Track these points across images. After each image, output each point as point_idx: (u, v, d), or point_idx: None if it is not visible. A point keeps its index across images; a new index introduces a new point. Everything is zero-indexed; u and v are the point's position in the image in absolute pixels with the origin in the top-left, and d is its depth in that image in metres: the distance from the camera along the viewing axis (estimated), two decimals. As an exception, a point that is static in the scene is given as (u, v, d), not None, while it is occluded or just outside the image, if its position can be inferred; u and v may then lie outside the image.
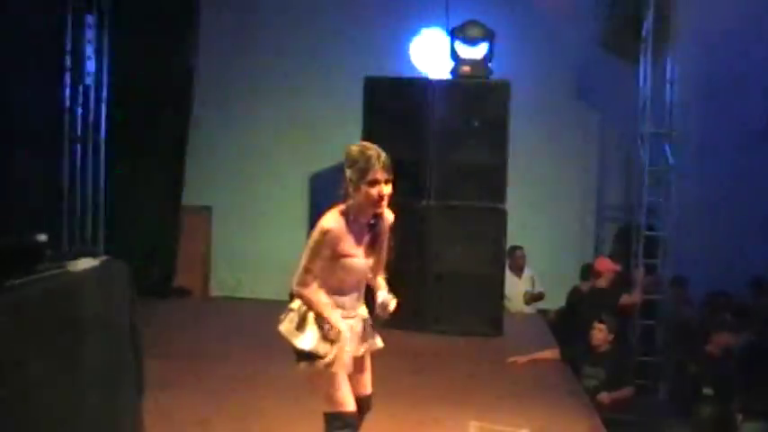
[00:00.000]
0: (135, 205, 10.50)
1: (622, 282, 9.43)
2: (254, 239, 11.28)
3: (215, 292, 11.46)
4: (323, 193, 10.17)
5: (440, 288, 9.09)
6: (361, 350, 4.33)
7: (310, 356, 4.12)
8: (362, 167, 4.01)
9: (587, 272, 9.80)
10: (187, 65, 10.79)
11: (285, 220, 11.09)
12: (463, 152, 9.18)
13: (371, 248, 4.21)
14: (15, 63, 8.72)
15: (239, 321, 9.73)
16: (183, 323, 9.53)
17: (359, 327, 4.31)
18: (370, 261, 4.22)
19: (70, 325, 4.50)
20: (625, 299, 9.12)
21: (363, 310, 4.37)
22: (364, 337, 4.34)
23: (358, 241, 4.16)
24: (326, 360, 4.07)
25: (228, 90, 11.15)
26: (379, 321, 4.30)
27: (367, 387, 4.42)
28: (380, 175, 4.00)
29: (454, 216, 9.11)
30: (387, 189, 4.05)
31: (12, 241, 4.62)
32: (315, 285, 4.13)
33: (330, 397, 4.11)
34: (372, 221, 4.19)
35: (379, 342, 4.42)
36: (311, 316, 4.16)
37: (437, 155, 9.18)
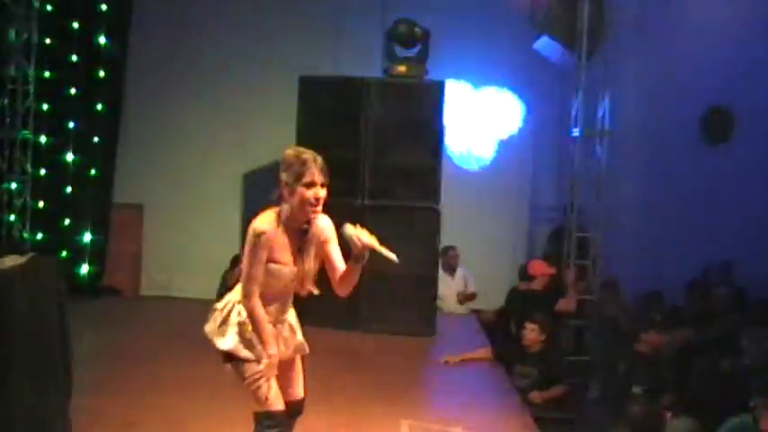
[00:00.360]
0: (64, 202, 10.28)
1: (556, 284, 9.54)
2: (186, 238, 11.14)
3: (145, 291, 11.29)
4: (256, 192, 10.11)
5: (374, 287, 9.04)
6: (287, 354, 4.28)
7: (234, 357, 4.09)
8: (298, 170, 3.96)
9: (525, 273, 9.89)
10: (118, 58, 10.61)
11: (217, 219, 10.99)
12: (398, 152, 9.19)
13: (300, 256, 4.15)
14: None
15: (170, 321, 9.58)
16: (113, 322, 9.39)
17: (285, 332, 4.27)
18: (296, 270, 4.14)
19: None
20: (561, 304, 9.21)
21: (291, 315, 4.33)
22: (290, 342, 4.29)
23: (288, 247, 4.09)
24: (254, 370, 4.02)
25: (161, 86, 10.98)
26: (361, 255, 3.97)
27: (298, 391, 4.36)
28: (316, 178, 3.96)
29: (389, 216, 9.07)
30: (322, 192, 4.01)
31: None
32: (257, 298, 4.03)
33: (258, 396, 4.07)
34: (305, 227, 4.14)
35: (305, 347, 4.37)
36: (234, 318, 4.12)
37: (372, 154, 9.17)
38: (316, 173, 3.96)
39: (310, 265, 4.14)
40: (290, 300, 4.27)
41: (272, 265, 4.04)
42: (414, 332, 9.00)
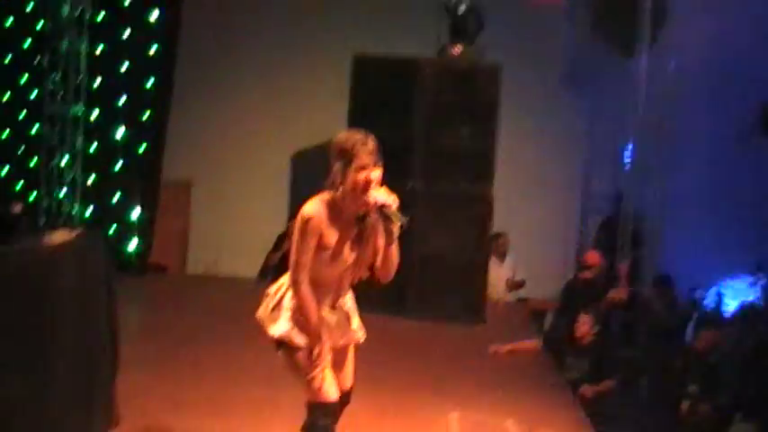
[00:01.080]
0: (114, 178, 10.27)
1: (608, 276, 9.36)
2: (233, 217, 11.12)
3: (192, 269, 11.30)
4: (305, 171, 10.05)
5: (423, 273, 8.94)
6: (341, 342, 4.16)
7: (287, 344, 3.96)
8: (349, 154, 3.80)
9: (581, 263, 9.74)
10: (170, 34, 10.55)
11: (265, 198, 10.95)
12: (451, 135, 9.02)
13: (356, 244, 4.01)
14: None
15: (216, 300, 9.53)
16: (159, 300, 9.40)
17: (340, 320, 4.13)
18: (353, 257, 4.01)
19: (45, 300, 4.35)
20: (612, 294, 9.03)
21: (349, 302, 4.19)
22: (345, 330, 4.16)
23: (342, 234, 3.93)
24: (307, 359, 3.90)
25: (213, 63, 10.93)
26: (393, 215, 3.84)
27: (347, 381, 4.25)
28: (368, 160, 3.80)
29: (440, 200, 8.96)
30: (375, 174, 3.85)
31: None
32: (308, 286, 3.90)
33: (312, 386, 3.95)
34: (361, 215, 3.98)
35: (361, 335, 4.25)
36: (287, 302, 3.98)
37: (425, 137, 9.02)
38: (367, 156, 3.79)
39: (368, 252, 3.99)
40: (347, 287, 4.13)
41: (326, 253, 3.90)
42: (462, 319, 8.86)
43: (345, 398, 4.22)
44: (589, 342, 7.58)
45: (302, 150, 10.65)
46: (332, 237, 3.89)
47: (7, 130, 9.36)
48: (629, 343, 9.25)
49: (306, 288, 3.87)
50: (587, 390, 7.18)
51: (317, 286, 3.94)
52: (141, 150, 10.52)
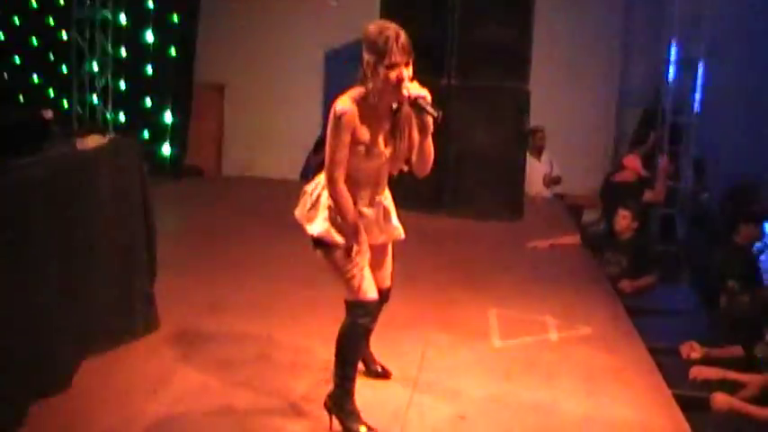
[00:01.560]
0: (145, 82, 10.20)
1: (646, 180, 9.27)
2: (267, 118, 11.08)
3: (227, 170, 11.32)
4: (338, 69, 9.91)
5: (459, 170, 8.87)
6: (380, 239, 4.13)
7: (325, 242, 3.94)
8: (380, 49, 3.69)
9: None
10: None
11: (299, 97, 10.87)
12: (486, 29, 8.81)
13: (392, 136, 3.93)
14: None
15: (252, 201, 9.60)
16: (195, 202, 9.43)
17: (379, 216, 4.09)
18: (389, 151, 3.95)
19: (80, 204, 4.37)
20: (648, 195, 8.93)
21: (387, 199, 4.14)
22: (384, 227, 4.13)
23: (376, 129, 3.86)
24: (346, 257, 3.87)
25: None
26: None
27: (386, 279, 4.26)
28: (399, 58, 3.69)
29: (476, 96, 8.82)
30: (407, 72, 3.76)
31: (17, 117, 4.46)
32: (343, 183, 3.84)
33: (351, 285, 3.93)
34: (394, 108, 3.90)
35: (400, 232, 4.21)
36: (324, 201, 3.93)
37: (459, 31, 8.81)
38: (398, 53, 3.67)
39: (404, 145, 3.91)
40: (384, 182, 4.08)
41: (360, 148, 3.83)
42: (499, 215, 8.82)
43: (384, 296, 4.24)
44: (628, 237, 7.51)
45: (335, 48, 10.49)
46: (366, 132, 3.83)
47: (36, 37, 9.29)
48: (669, 238, 9.20)
49: (341, 185, 3.82)
50: (626, 285, 7.15)
51: (354, 182, 3.90)
52: (171, 54, 10.39)
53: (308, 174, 9.68)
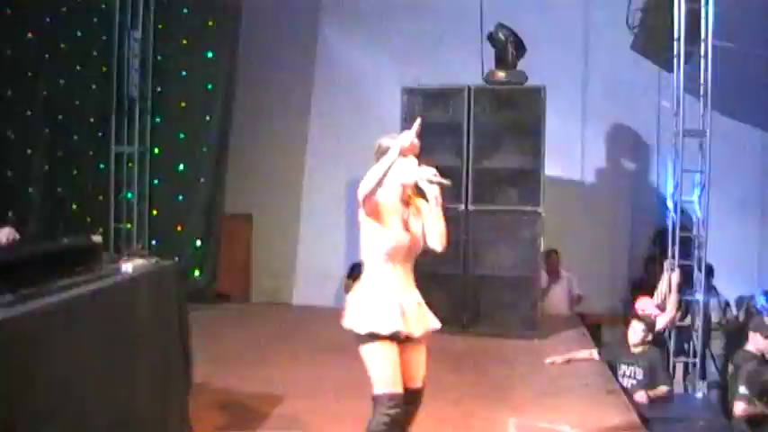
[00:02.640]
0: (177, 210, 10.72)
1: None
2: (293, 245, 11.44)
3: (255, 297, 11.62)
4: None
5: (478, 290, 9.25)
6: (419, 330, 4.42)
7: (357, 335, 4.30)
8: (385, 148, 4.37)
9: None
10: (228, 74, 10.97)
11: (322, 226, 11.24)
12: (500, 157, 9.34)
13: (409, 222, 4.46)
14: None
15: (279, 326, 9.88)
16: (226, 327, 9.65)
17: (413, 306, 4.43)
18: (411, 235, 4.41)
19: (123, 324, 4.66)
20: (662, 323, 9.02)
21: (417, 295, 4.50)
22: (419, 318, 4.45)
23: (397, 216, 4.44)
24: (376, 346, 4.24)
25: (268, 99, 11.30)
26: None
27: (417, 380, 4.48)
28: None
29: (492, 220, 9.26)
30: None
31: (69, 242, 4.80)
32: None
33: (377, 377, 4.22)
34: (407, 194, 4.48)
35: (434, 322, 4.55)
36: (359, 297, 4.38)
37: (474, 160, 9.33)
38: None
39: (423, 229, 4.47)
40: (411, 269, 4.48)
41: (386, 229, 4.37)
42: (517, 334, 9.11)
43: (415, 398, 4.47)
44: (642, 349, 7.74)
45: (357, 178, 10.86)
46: (392, 215, 4.42)
47: (77, 169, 9.83)
48: (683, 348, 9.36)
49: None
50: (642, 396, 7.34)
51: (391, 263, 4.38)
52: (202, 183, 10.84)
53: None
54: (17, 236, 4.80)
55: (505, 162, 9.34)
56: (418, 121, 4.37)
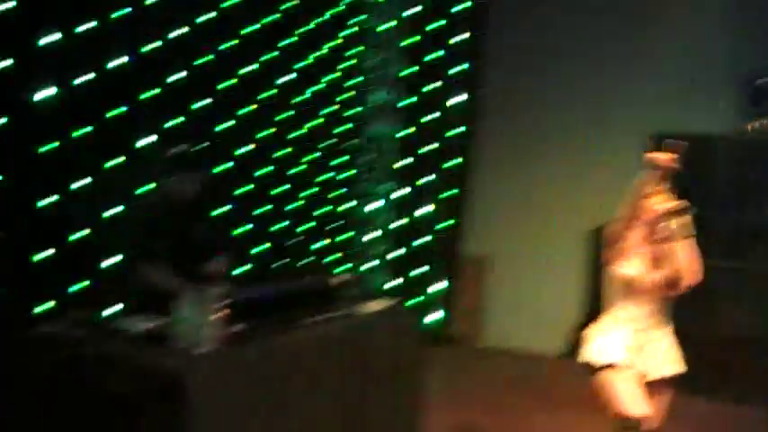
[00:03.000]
0: (417, 252, 10.86)
1: None
2: (529, 292, 11.29)
3: (485, 341, 11.58)
4: (599, 251, 10.05)
5: (719, 352, 8.76)
6: (656, 369, 4.33)
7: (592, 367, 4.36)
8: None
9: None
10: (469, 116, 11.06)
11: (561, 275, 11.03)
12: (752, 212, 8.84)
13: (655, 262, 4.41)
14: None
15: (513, 373, 9.80)
16: (457, 371, 9.68)
17: (655, 344, 4.30)
18: (656, 275, 4.36)
19: (362, 361, 4.79)
20: None
21: (668, 332, 4.36)
22: (661, 356, 4.32)
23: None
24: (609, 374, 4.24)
25: (510, 143, 11.29)
26: None
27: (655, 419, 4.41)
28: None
29: (741, 277, 8.77)
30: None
31: (308, 283, 5.00)
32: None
33: (615, 402, 4.20)
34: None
35: (679, 364, 4.41)
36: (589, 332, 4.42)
37: (725, 214, 8.90)
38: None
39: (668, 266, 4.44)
40: (660, 310, 4.33)
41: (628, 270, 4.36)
42: (762, 400, 8.55)
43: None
44: None
45: (602, 226, 10.67)
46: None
47: (318, 209, 10.19)
48: None
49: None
50: None
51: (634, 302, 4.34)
52: (443, 225, 10.95)
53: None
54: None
55: (758, 218, 8.87)
56: (680, 142, 4.25)
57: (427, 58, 10.83)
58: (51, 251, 5.81)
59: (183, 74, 7.84)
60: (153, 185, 6.41)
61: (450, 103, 10.85)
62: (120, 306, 5.47)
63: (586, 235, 10.90)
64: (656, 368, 4.32)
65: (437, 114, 10.87)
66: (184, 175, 5.23)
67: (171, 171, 5.19)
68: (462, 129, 10.93)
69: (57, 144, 6.30)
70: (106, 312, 5.54)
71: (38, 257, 5.72)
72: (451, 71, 10.88)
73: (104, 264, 6.25)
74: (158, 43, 7.59)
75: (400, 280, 10.72)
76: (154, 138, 7.27)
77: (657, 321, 4.38)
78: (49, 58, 6.51)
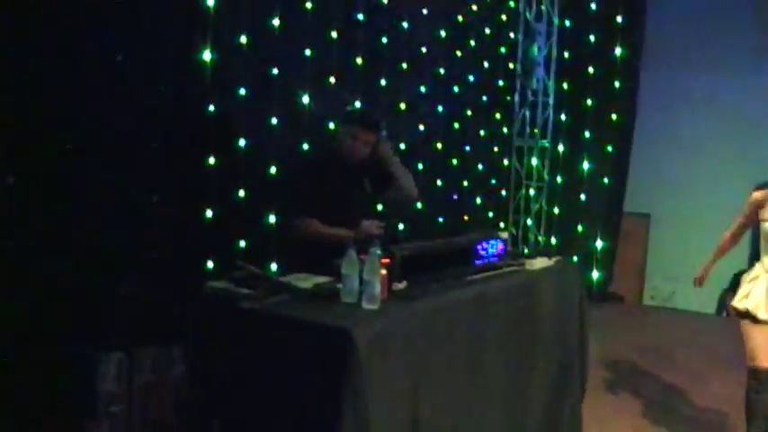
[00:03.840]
0: (578, 209, 10.71)
1: None
2: (692, 250, 10.93)
3: (648, 300, 11.35)
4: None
5: None
6: None
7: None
8: None
9: None
10: (634, 73, 10.77)
11: (721, 232, 10.66)
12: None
13: None
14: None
15: (673, 332, 9.60)
16: (620, 329, 9.54)
17: None
18: None
19: (527, 319, 4.75)
20: None
21: None
22: None
23: None
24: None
25: (673, 95, 10.94)
26: None
27: None
28: None
29: None
30: None
31: (477, 236, 4.94)
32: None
33: (747, 350, 4.42)
34: None
35: None
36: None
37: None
38: None
39: None
40: None
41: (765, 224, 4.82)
42: None
43: None
44: None
45: (761, 184, 10.24)
46: None
47: (482, 164, 10.08)
48: None
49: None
50: None
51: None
52: (604, 182, 10.77)
53: (722, 311, 9.47)
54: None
55: None
56: None
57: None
58: (217, 210, 5.91)
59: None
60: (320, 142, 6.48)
61: (612, 55, 10.51)
62: (282, 263, 5.59)
63: (748, 193, 10.49)
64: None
65: (599, 68, 10.57)
66: (377, 134, 5.15)
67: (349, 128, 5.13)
68: (622, 83, 10.57)
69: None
70: (270, 270, 5.68)
71: (207, 215, 5.84)
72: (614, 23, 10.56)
73: (268, 221, 6.34)
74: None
75: (558, 237, 10.55)
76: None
77: None
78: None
